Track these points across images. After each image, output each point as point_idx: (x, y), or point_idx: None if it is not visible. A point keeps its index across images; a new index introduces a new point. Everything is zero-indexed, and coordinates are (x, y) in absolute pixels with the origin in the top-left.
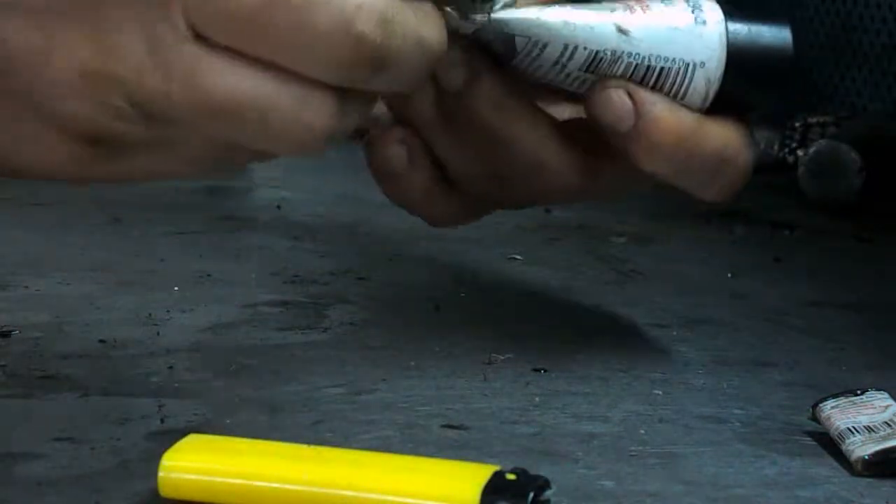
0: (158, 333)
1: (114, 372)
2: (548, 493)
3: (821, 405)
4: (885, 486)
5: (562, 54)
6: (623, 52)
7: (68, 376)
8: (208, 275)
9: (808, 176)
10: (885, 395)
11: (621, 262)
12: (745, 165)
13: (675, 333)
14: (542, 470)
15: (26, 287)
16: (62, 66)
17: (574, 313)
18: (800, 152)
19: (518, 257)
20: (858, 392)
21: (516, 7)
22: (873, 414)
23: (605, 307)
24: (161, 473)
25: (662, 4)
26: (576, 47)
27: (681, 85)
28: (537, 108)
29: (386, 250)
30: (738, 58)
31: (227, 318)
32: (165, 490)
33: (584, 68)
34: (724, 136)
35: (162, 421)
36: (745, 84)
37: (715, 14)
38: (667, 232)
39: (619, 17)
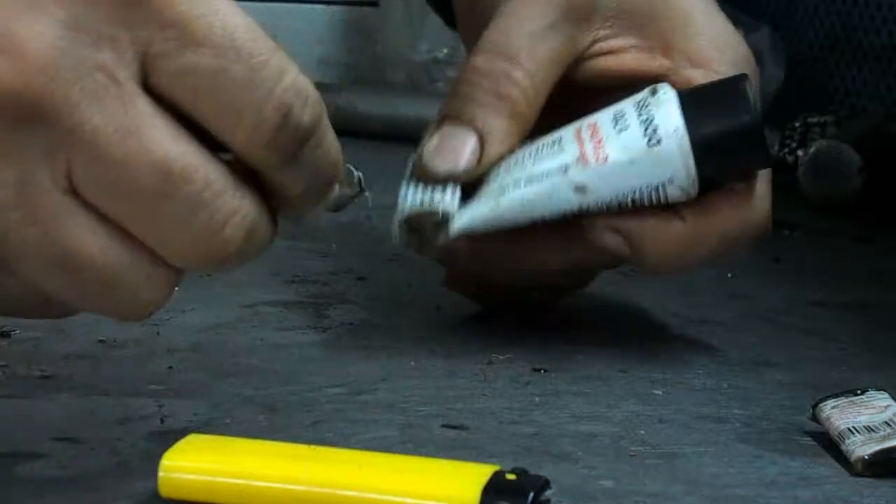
0: (158, 333)
1: (114, 372)
2: (548, 493)
3: (821, 405)
4: (885, 486)
5: (533, 225)
6: (587, 204)
7: (68, 376)
8: (208, 275)
9: (808, 176)
10: (885, 395)
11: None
12: (758, 225)
13: (674, 333)
14: (542, 470)
15: None
16: None
17: (574, 313)
18: (800, 152)
19: None
20: (858, 392)
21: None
22: (873, 414)
23: (605, 307)
24: (161, 473)
25: (615, 132)
26: (542, 216)
27: (658, 200)
28: (535, 247)
29: (386, 250)
30: (707, 150)
31: (227, 318)
32: (165, 490)
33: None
34: (722, 222)
35: (162, 421)
36: (724, 164)
37: (670, 123)
38: None
39: (573, 175)
